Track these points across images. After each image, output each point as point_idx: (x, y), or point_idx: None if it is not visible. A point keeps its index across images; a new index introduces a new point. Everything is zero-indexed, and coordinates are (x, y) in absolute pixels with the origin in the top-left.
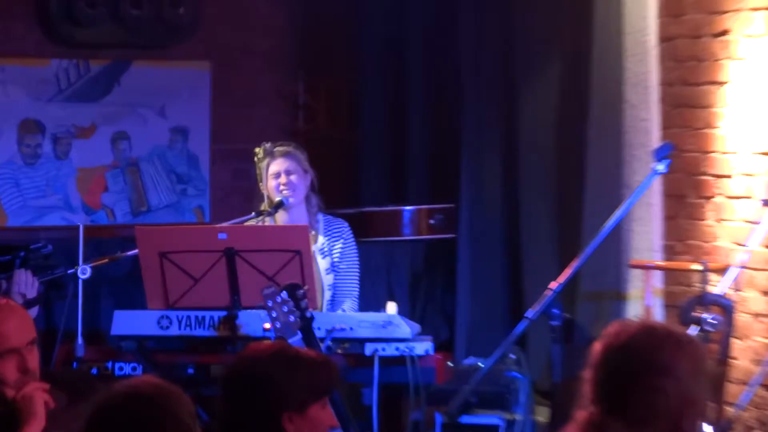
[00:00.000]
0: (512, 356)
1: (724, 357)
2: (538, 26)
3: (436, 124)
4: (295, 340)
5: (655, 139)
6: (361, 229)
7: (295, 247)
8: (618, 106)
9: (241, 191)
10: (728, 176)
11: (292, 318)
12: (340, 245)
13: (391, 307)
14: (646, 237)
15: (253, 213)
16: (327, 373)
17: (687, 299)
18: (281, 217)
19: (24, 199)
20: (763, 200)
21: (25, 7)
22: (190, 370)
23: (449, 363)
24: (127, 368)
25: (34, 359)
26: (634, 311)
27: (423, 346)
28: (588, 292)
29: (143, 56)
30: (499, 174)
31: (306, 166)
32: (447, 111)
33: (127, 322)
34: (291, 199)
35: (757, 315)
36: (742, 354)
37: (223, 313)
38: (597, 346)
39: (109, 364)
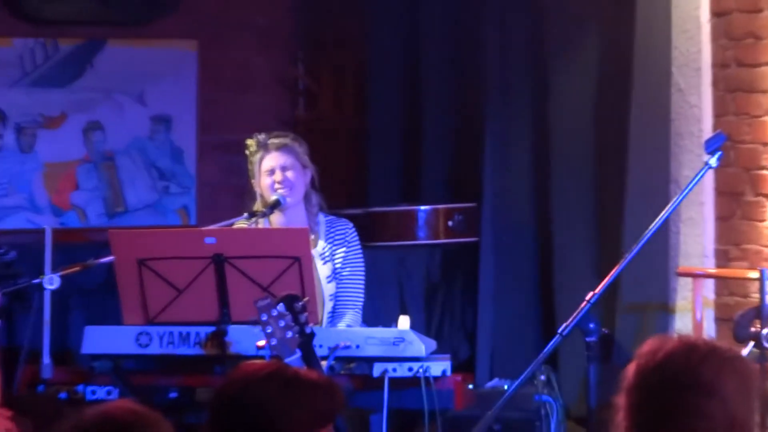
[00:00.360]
0: (542, 377)
1: None
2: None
3: (457, 111)
4: (293, 359)
5: (707, 129)
6: (369, 231)
7: (293, 252)
8: (664, 90)
9: (232, 189)
10: None
11: (289, 334)
12: (343, 249)
13: (404, 322)
14: (697, 241)
15: (246, 214)
16: (330, 397)
17: (742, 312)
18: (277, 219)
19: None
20: None
21: None
22: (173, 394)
23: (470, 385)
24: (101, 392)
25: None
26: (681, 326)
27: (440, 366)
28: (629, 304)
29: (120, 34)
30: (527, 168)
31: (305, 160)
32: (469, 96)
33: (100, 339)
34: (289, 199)
35: None
36: None
37: (211, 329)
38: (631, 368)
39: (80, 388)
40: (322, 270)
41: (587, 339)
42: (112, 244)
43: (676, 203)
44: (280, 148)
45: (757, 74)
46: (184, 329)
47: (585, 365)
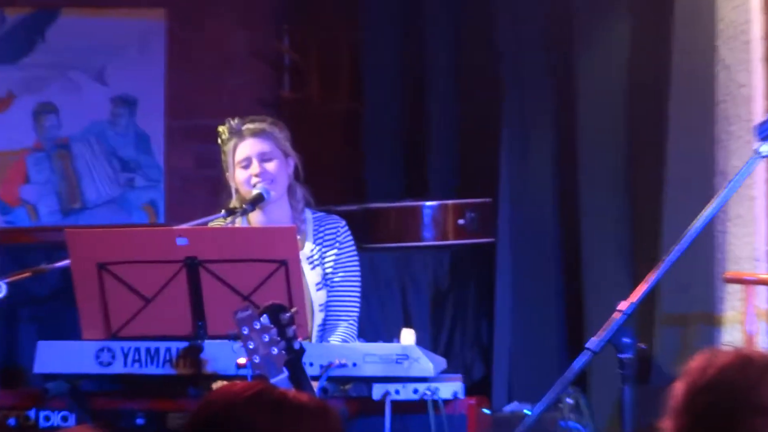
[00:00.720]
0: (569, 401)
1: None
2: None
3: (467, 93)
4: (280, 379)
5: (759, 112)
6: (366, 231)
7: (279, 255)
8: (709, 68)
9: (206, 182)
10: None
11: (275, 350)
12: (333, 251)
13: (408, 336)
14: (747, 242)
15: (223, 211)
16: (322, 423)
17: None
18: (256, 217)
19: None
20: None
21: None
22: (140, 420)
23: (485, 410)
24: (56, 417)
25: None
26: (730, 339)
27: (450, 388)
28: (670, 315)
29: (76, 2)
30: (550, 159)
31: (287, 147)
32: (481, 76)
33: (55, 357)
34: (272, 193)
35: None
36: None
37: (183, 345)
38: (679, 386)
39: (32, 413)
40: (311, 276)
41: (621, 356)
42: (69, 245)
43: (723, 199)
44: (256, 134)
45: None
46: (153, 345)
47: (619, 386)
